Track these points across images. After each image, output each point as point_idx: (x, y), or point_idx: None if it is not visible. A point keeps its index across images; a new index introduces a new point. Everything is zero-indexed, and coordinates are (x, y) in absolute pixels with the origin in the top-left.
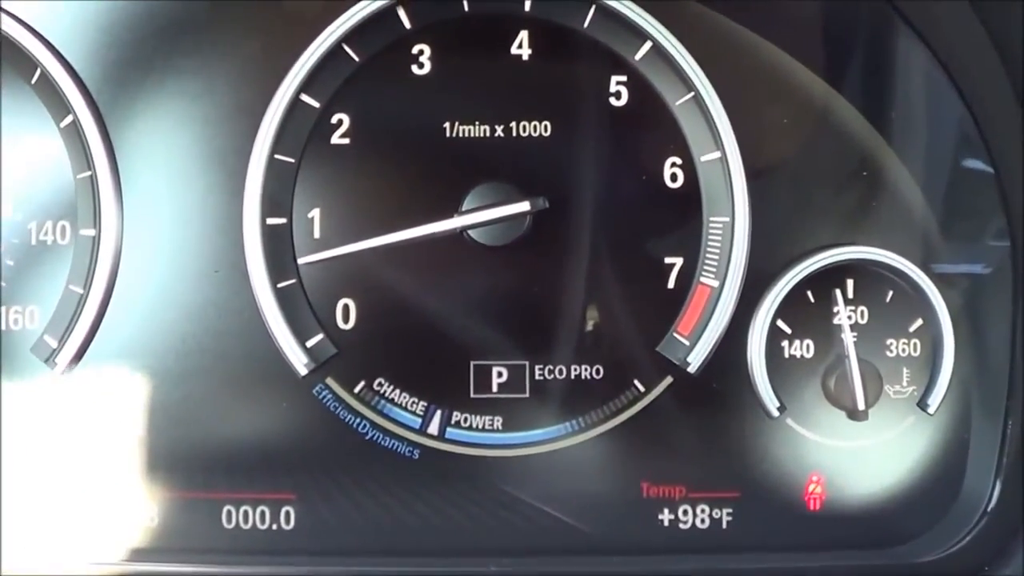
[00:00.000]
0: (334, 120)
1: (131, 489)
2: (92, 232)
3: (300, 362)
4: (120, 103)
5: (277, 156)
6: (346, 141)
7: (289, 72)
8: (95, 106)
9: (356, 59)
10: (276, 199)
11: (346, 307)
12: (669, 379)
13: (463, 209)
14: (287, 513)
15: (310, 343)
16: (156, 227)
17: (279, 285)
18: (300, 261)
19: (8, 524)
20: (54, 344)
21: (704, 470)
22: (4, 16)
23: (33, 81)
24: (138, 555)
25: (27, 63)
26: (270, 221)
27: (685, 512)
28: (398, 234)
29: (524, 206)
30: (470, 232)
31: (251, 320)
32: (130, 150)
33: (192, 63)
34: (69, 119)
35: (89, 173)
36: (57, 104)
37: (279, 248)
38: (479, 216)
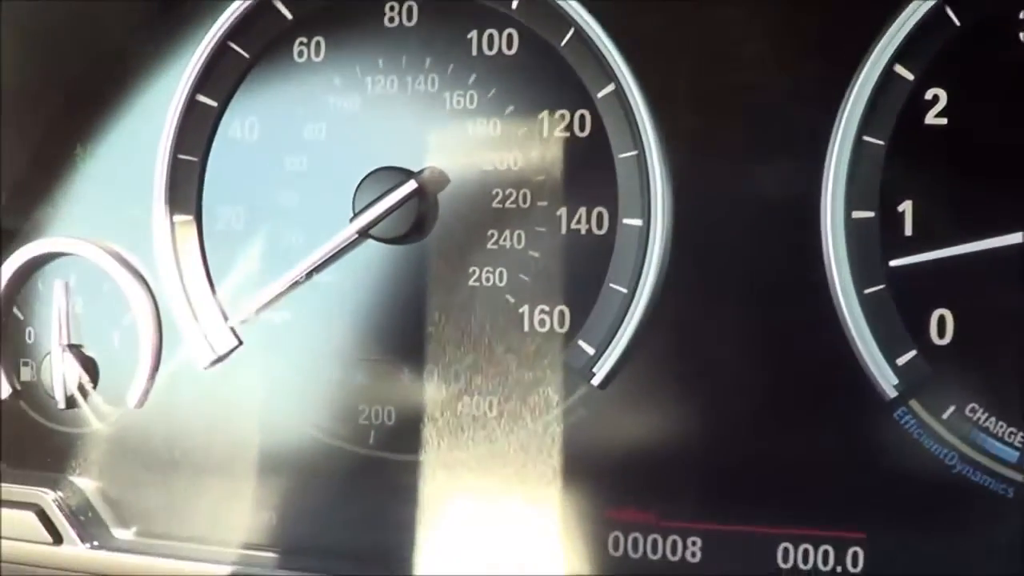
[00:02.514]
0: (928, 96)
1: (671, 522)
2: (638, 222)
3: (888, 383)
4: (664, 71)
5: (865, 138)
6: (943, 121)
7: (880, 40)
8: (640, 74)
9: (957, 23)
10: (863, 189)
11: (941, 319)
12: None
13: None
14: (855, 554)
15: (900, 361)
16: (712, 219)
17: (865, 291)
18: (891, 263)
19: None
20: (591, 351)
21: None
22: None
23: (563, 43)
24: None
25: (558, 24)
26: (855, 215)
27: None
28: (1007, 237)
29: None
30: None
31: (830, 332)
32: (679, 126)
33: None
34: (609, 88)
35: (634, 153)
36: (594, 71)
37: (865, 248)
38: None
